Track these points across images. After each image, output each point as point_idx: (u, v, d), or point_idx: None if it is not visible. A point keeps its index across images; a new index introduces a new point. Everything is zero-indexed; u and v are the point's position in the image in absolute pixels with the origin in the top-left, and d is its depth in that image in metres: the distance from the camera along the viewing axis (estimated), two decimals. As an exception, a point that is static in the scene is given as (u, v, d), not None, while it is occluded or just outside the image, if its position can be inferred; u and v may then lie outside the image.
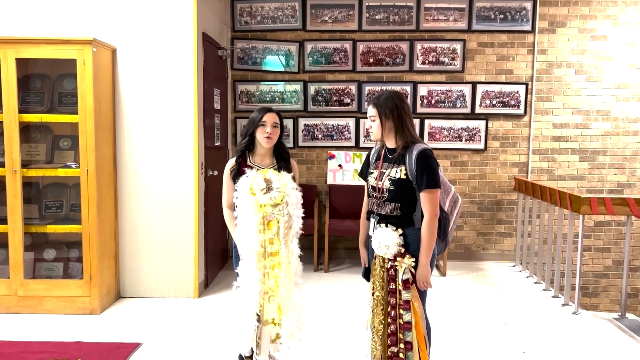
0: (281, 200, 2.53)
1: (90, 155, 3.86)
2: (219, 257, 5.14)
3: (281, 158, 2.72)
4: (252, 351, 2.65)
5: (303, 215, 2.63)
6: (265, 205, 2.52)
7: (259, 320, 2.60)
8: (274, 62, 5.68)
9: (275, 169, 2.65)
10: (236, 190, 2.58)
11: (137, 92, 4.22)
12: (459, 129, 5.65)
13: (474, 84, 5.59)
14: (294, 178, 2.64)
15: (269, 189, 2.51)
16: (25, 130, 4.10)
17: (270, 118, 2.63)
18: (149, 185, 4.26)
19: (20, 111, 3.88)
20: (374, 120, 2.50)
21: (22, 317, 3.88)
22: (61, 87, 4.14)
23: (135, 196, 4.27)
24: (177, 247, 4.29)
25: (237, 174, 2.64)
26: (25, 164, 3.97)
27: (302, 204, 2.63)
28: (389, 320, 2.50)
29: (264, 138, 2.62)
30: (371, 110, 2.51)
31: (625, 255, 4.30)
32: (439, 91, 5.62)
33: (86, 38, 3.81)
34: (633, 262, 5.65)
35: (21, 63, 3.93)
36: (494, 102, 5.60)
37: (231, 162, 2.71)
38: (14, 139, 3.84)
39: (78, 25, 4.14)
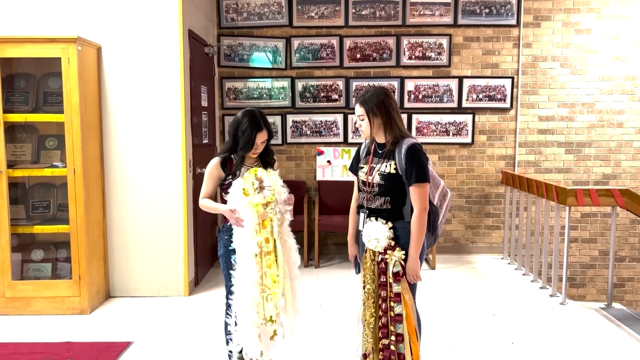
0: (272, 199, 2.53)
1: (77, 155, 3.83)
2: (208, 254, 5.13)
3: (266, 160, 2.72)
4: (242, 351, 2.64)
5: (292, 210, 2.65)
6: (258, 205, 2.52)
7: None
8: (261, 58, 5.66)
9: (260, 166, 2.66)
10: (228, 192, 2.57)
11: (123, 90, 4.19)
12: (446, 124, 5.68)
13: (460, 79, 5.63)
14: None
15: (261, 188, 2.52)
16: (10, 130, 4.06)
17: (259, 138, 2.61)
18: (137, 184, 4.23)
19: (5, 111, 3.85)
20: (362, 119, 2.51)
21: (10, 319, 3.85)
22: (46, 86, 4.09)
23: (124, 195, 4.24)
24: (166, 245, 4.28)
25: (227, 177, 2.64)
26: (10, 165, 3.93)
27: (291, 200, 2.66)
28: (380, 312, 2.52)
29: (251, 153, 2.64)
30: (358, 109, 2.51)
31: (611, 246, 4.36)
32: (426, 86, 5.65)
33: (70, 36, 3.78)
34: (619, 252, 5.73)
35: (5, 62, 3.89)
36: (481, 96, 5.64)
37: (215, 161, 2.67)
38: (-2, 139, 3.81)
39: (62, 23, 4.10)
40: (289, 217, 2.62)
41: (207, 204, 2.68)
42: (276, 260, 2.53)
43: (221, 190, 2.67)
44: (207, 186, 2.68)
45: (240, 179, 2.54)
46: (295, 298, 2.65)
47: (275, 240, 2.53)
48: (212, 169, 2.67)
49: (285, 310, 2.60)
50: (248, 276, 2.49)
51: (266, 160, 2.73)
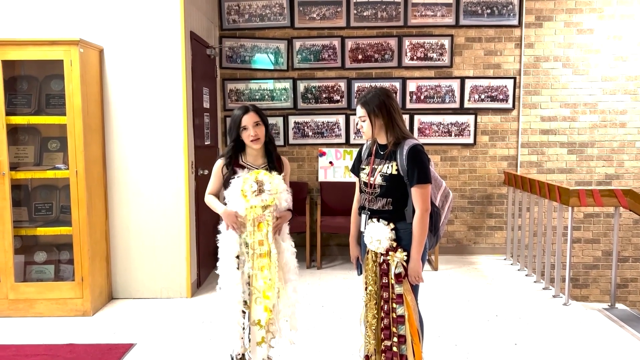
0: (272, 202, 2.53)
1: (79, 157, 3.83)
2: (211, 256, 5.12)
3: (272, 159, 2.67)
4: (243, 352, 2.63)
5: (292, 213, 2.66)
6: (255, 207, 2.52)
7: (248, 319, 2.60)
8: (262, 60, 5.67)
9: (266, 169, 2.63)
10: (227, 189, 2.57)
11: (125, 92, 4.19)
12: (448, 124, 5.67)
13: (462, 79, 5.62)
14: (284, 178, 2.62)
15: (260, 191, 2.50)
16: (13, 132, 4.07)
17: (249, 120, 2.54)
18: (139, 186, 4.24)
19: (8, 113, 3.85)
20: (364, 120, 2.51)
21: (13, 321, 3.85)
22: (48, 88, 4.10)
23: (126, 197, 4.25)
24: (168, 247, 4.28)
25: (230, 175, 2.60)
26: (13, 167, 3.93)
27: (293, 201, 2.65)
28: (382, 314, 2.51)
29: (251, 142, 2.57)
30: (360, 111, 2.51)
31: (614, 246, 4.34)
32: (428, 87, 5.65)
33: (73, 39, 3.78)
34: (622, 252, 5.71)
35: (7, 65, 3.90)
36: (483, 96, 5.63)
37: (220, 162, 2.66)
38: (1, 142, 3.81)
39: (64, 25, 4.11)
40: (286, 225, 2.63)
41: (209, 201, 2.71)
42: (270, 264, 2.53)
43: (223, 187, 2.66)
44: (212, 183, 2.70)
45: (241, 180, 2.53)
46: (292, 305, 2.64)
47: (270, 245, 2.52)
48: (218, 169, 2.67)
49: (277, 316, 2.59)
50: (228, 275, 2.52)
51: (274, 164, 2.68)
